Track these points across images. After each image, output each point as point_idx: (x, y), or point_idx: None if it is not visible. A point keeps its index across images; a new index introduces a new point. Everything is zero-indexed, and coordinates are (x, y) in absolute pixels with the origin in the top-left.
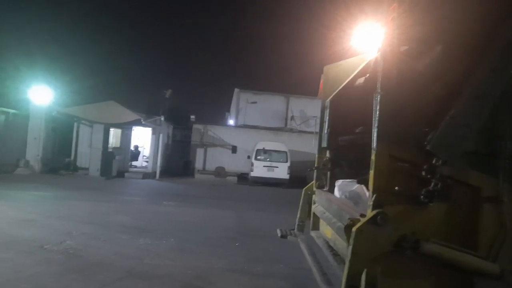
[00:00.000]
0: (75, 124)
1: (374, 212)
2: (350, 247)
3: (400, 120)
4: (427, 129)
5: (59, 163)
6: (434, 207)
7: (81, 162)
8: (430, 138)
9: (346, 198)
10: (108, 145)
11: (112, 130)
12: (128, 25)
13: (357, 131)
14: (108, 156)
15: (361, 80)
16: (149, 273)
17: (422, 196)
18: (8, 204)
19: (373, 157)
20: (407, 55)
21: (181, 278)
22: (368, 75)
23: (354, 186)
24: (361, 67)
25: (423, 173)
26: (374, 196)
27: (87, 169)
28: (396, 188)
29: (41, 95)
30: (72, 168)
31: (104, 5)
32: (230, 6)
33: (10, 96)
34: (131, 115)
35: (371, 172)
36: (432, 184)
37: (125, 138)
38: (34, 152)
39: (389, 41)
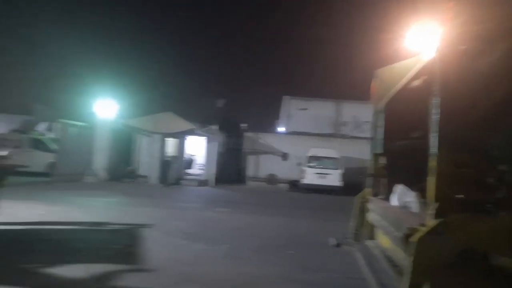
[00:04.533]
0: (136, 135)
1: (436, 221)
2: (410, 258)
3: (461, 124)
4: (490, 133)
5: (122, 171)
6: (503, 216)
7: (142, 170)
8: (495, 142)
9: (403, 206)
10: (166, 154)
11: (169, 140)
12: (182, 41)
13: (413, 136)
14: (165, 164)
15: (417, 82)
16: (204, 278)
17: (489, 205)
18: (79, 210)
19: (432, 163)
20: (467, 55)
21: (235, 284)
22: (424, 77)
23: (412, 193)
24: (416, 68)
25: (490, 180)
26: (436, 204)
27: (146, 177)
28: (459, 196)
29: (106, 108)
30: (133, 176)
31: (158, 23)
32: (276, 13)
33: (79, 110)
34: (187, 125)
35: (431, 179)
36: (500, 192)
37: (181, 147)
38: (100, 162)
39: (447, 41)
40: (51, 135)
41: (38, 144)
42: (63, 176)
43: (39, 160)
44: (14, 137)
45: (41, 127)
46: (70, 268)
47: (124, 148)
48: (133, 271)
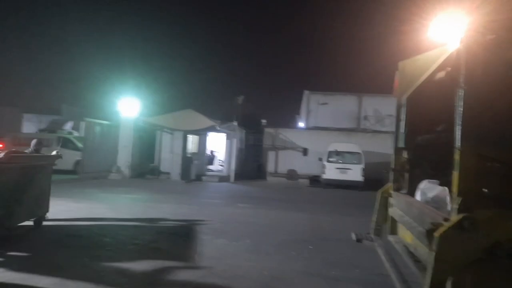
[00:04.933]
0: (158, 132)
1: (460, 216)
2: (433, 253)
3: (487, 117)
4: None
5: (145, 168)
6: None
7: (164, 167)
8: None
9: (427, 201)
10: (187, 151)
11: (190, 136)
12: (202, 39)
13: (438, 129)
14: (187, 161)
15: (441, 74)
16: (227, 272)
17: None
18: (107, 206)
19: (457, 156)
20: (495, 45)
21: (258, 279)
22: (449, 68)
23: (437, 188)
24: (441, 60)
25: None
26: (460, 199)
27: (169, 173)
28: (485, 190)
29: (129, 107)
30: (156, 172)
31: (178, 22)
32: (296, 8)
33: (103, 109)
34: (207, 122)
35: (455, 173)
36: None
37: (202, 143)
38: (124, 159)
39: (473, 31)
40: (78, 133)
41: (66, 143)
42: (90, 173)
43: (67, 159)
44: (43, 137)
45: (68, 126)
46: (97, 263)
47: (147, 146)
48: (158, 266)
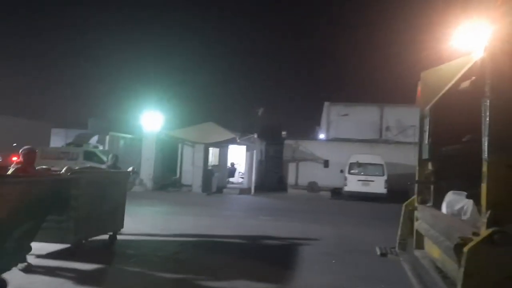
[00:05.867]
0: (179, 145)
1: (490, 230)
2: (462, 269)
3: None
4: None
5: (167, 180)
6: None
7: (185, 179)
8: None
9: (453, 213)
10: (208, 163)
11: (211, 149)
12: (221, 52)
13: (463, 140)
14: (208, 173)
15: (465, 84)
16: (251, 286)
17: None
18: (131, 219)
19: (485, 168)
20: None
21: None
22: (474, 78)
23: (463, 200)
24: (465, 69)
25: None
26: (489, 212)
27: (190, 186)
28: None
29: (152, 120)
30: (178, 185)
31: (198, 39)
32: (317, 19)
33: (128, 123)
34: (227, 134)
35: (484, 186)
36: None
37: (223, 156)
38: (147, 172)
39: (498, 39)
40: (103, 147)
41: (92, 156)
42: None
43: None
44: (70, 150)
45: (94, 140)
46: (121, 273)
47: (169, 159)
48: (180, 278)
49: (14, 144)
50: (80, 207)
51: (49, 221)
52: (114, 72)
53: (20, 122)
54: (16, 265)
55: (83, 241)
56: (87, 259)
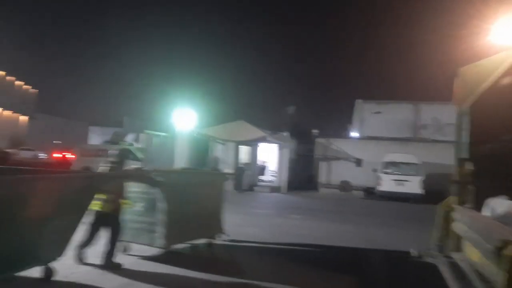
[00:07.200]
0: (211, 143)
1: None
2: (504, 274)
3: None
4: None
5: None
6: None
7: None
8: None
9: (496, 217)
10: (239, 161)
11: (242, 147)
12: (252, 50)
13: (504, 138)
14: (239, 171)
15: (507, 80)
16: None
17: None
18: None
19: None
20: None
21: None
22: None
23: (507, 203)
24: (506, 65)
25: None
26: None
27: None
28: None
29: (184, 119)
30: None
31: (231, 38)
32: (349, 16)
33: (162, 121)
34: (258, 133)
35: None
36: None
37: (253, 154)
38: None
39: None
40: (138, 145)
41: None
42: None
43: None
44: (107, 148)
45: (129, 137)
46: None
47: (201, 156)
48: (207, 273)
49: (55, 142)
50: (171, 210)
51: (141, 222)
52: (150, 72)
53: (59, 121)
54: (60, 255)
55: (173, 246)
56: (172, 263)
